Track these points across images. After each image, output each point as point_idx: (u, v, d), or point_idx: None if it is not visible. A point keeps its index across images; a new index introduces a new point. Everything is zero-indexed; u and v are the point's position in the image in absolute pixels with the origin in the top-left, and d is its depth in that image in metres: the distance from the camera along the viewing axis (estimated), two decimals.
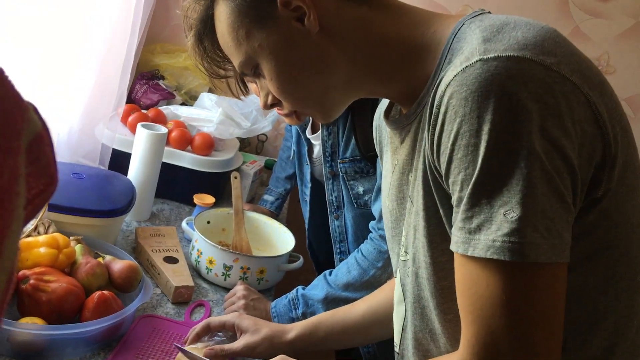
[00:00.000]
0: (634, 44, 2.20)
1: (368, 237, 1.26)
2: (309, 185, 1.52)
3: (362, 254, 1.24)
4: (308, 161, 1.50)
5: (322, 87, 0.74)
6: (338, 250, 1.43)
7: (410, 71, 0.71)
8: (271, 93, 0.78)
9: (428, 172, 0.67)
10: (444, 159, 0.62)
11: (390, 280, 1.06)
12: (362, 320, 1.03)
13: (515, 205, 0.57)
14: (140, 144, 1.48)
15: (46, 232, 1.13)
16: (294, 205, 1.93)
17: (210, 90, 2.06)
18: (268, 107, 0.83)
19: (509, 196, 0.57)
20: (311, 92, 0.74)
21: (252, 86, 1.24)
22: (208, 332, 1.06)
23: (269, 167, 2.03)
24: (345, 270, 1.24)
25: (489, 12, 0.70)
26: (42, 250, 1.05)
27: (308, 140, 1.47)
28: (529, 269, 0.58)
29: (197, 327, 1.06)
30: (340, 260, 1.39)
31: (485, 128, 0.57)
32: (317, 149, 1.44)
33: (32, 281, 0.99)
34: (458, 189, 0.61)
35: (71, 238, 1.12)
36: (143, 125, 1.50)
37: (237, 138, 1.85)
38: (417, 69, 0.70)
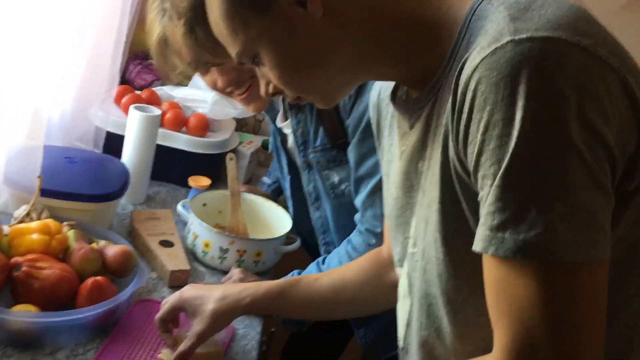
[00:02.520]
0: (637, 15, 2.16)
1: (356, 229, 1.22)
2: (288, 177, 1.47)
3: (352, 246, 1.21)
4: (283, 152, 1.45)
5: (327, 74, 0.69)
6: (323, 242, 1.39)
7: (423, 52, 0.67)
8: (272, 82, 0.73)
9: (451, 164, 0.62)
10: (472, 150, 0.57)
11: (358, 259, 1.05)
12: (327, 296, 1.00)
13: (548, 201, 0.53)
14: (133, 127, 1.46)
15: (39, 218, 1.12)
16: None
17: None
18: (270, 95, 0.78)
19: (544, 190, 0.53)
20: (316, 79, 0.70)
21: (206, 79, 1.21)
22: (166, 325, 1.00)
23: (265, 147, 2.00)
24: (337, 261, 1.21)
25: None
26: (35, 236, 1.04)
27: (280, 130, 1.42)
28: (565, 269, 0.54)
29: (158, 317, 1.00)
30: (327, 252, 1.36)
31: (520, 116, 0.53)
32: (291, 138, 1.37)
33: (24, 268, 0.98)
34: (490, 183, 0.56)
35: (64, 223, 1.11)
36: (136, 107, 1.47)
37: (234, 118, 1.82)
38: (431, 49, 0.65)
